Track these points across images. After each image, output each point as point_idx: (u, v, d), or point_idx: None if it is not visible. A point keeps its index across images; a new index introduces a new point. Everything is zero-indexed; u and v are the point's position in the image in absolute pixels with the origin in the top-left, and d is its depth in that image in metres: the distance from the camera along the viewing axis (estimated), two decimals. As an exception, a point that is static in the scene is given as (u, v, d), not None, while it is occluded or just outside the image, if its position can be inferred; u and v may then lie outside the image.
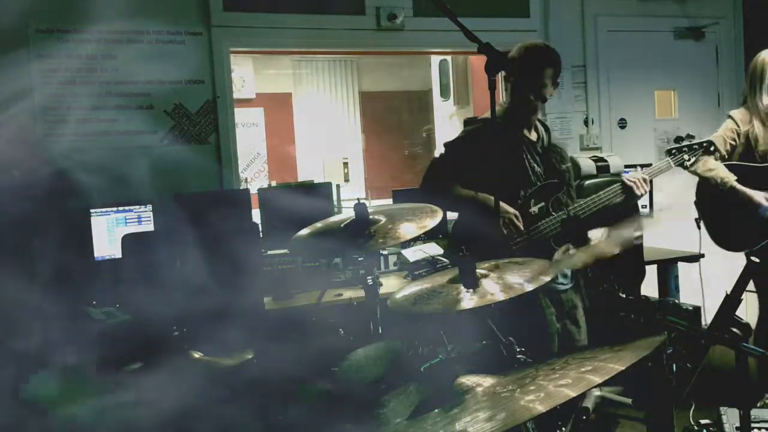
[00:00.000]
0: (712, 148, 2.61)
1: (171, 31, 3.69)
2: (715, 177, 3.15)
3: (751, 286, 3.05)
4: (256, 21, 3.88)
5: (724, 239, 3.26)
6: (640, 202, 3.66)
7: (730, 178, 3.14)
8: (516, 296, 1.50)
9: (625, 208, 2.52)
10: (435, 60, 6.37)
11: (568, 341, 2.47)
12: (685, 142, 2.61)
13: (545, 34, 4.51)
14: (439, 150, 6.87)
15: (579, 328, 2.52)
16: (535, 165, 2.50)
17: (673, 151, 2.59)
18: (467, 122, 2.66)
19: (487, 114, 2.42)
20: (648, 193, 3.96)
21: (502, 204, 2.33)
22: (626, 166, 4.09)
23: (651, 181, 2.55)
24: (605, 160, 4.07)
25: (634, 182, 2.49)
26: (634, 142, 4.81)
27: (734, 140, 3.23)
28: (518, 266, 1.67)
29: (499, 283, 1.56)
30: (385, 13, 4.08)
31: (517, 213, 2.36)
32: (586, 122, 4.69)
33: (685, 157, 2.58)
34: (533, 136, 2.55)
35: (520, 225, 2.36)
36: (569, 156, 2.69)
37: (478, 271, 1.63)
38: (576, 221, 2.42)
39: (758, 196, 3.11)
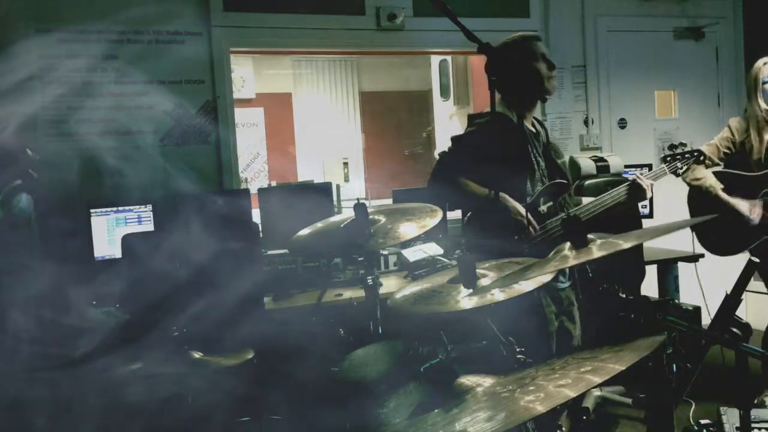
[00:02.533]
0: (702, 158, 2.71)
1: (171, 31, 3.69)
2: (702, 185, 3.23)
3: (751, 286, 3.06)
4: (256, 21, 3.88)
5: (713, 244, 3.31)
6: (639, 205, 3.68)
7: (716, 187, 3.21)
8: (517, 296, 1.50)
9: (624, 210, 2.54)
10: (435, 60, 6.37)
11: (565, 339, 2.48)
12: (678, 150, 2.70)
13: (545, 34, 4.51)
14: (439, 148, 6.88)
15: (575, 326, 2.54)
16: (540, 159, 2.51)
17: (668, 158, 2.69)
18: (472, 117, 2.64)
19: (488, 108, 2.41)
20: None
21: (517, 206, 2.33)
22: (626, 166, 4.09)
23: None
24: (605, 160, 4.06)
25: (647, 186, 2.50)
26: (634, 142, 4.81)
27: (729, 148, 3.29)
28: (518, 266, 1.67)
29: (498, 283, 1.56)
30: (385, 13, 4.08)
31: (531, 219, 2.36)
32: (586, 122, 4.69)
33: (678, 164, 2.68)
34: (533, 129, 2.56)
35: (532, 231, 2.36)
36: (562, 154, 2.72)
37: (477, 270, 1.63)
38: (576, 222, 2.41)
39: (742, 205, 3.15)
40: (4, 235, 2.43)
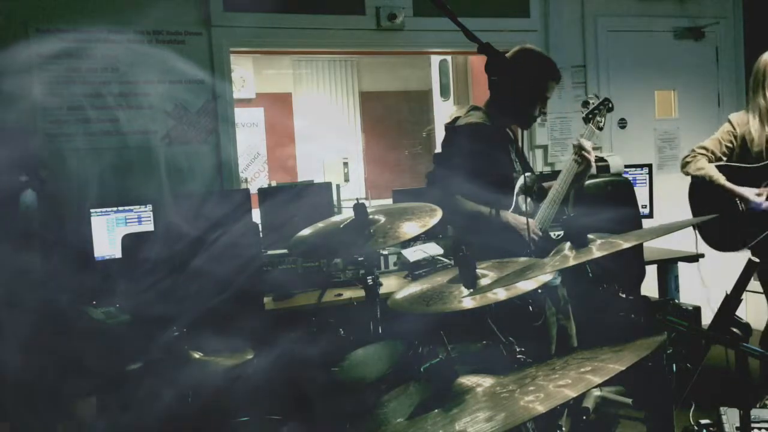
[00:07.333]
0: (610, 104, 2.74)
1: (171, 31, 3.69)
2: (704, 176, 3.22)
3: (751, 286, 3.06)
4: (256, 21, 3.88)
5: (716, 240, 3.30)
6: (640, 203, 3.68)
7: (719, 178, 3.20)
8: (522, 302, 1.51)
9: (582, 181, 2.58)
10: (435, 60, 6.37)
11: (563, 337, 2.49)
12: (591, 107, 2.72)
13: (545, 34, 4.51)
14: (439, 148, 6.88)
15: (570, 323, 2.55)
16: (517, 161, 2.54)
17: (589, 116, 2.72)
18: (448, 128, 2.68)
19: (473, 118, 2.44)
20: (649, 195, 4.00)
21: (521, 219, 2.34)
22: (626, 166, 4.09)
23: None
24: (605, 160, 4.07)
25: (588, 151, 2.56)
26: (634, 142, 4.81)
27: (731, 142, 3.28)
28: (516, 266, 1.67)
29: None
30: (385, 13, 4.08)
31: (535, 229, 2.36)
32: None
33: (598, 118, 2.72)
34: (509, 132, 2.60)
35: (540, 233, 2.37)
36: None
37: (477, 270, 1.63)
38: (576, 222, 2.42)
39: (747, 192, 3.16)
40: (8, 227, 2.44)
